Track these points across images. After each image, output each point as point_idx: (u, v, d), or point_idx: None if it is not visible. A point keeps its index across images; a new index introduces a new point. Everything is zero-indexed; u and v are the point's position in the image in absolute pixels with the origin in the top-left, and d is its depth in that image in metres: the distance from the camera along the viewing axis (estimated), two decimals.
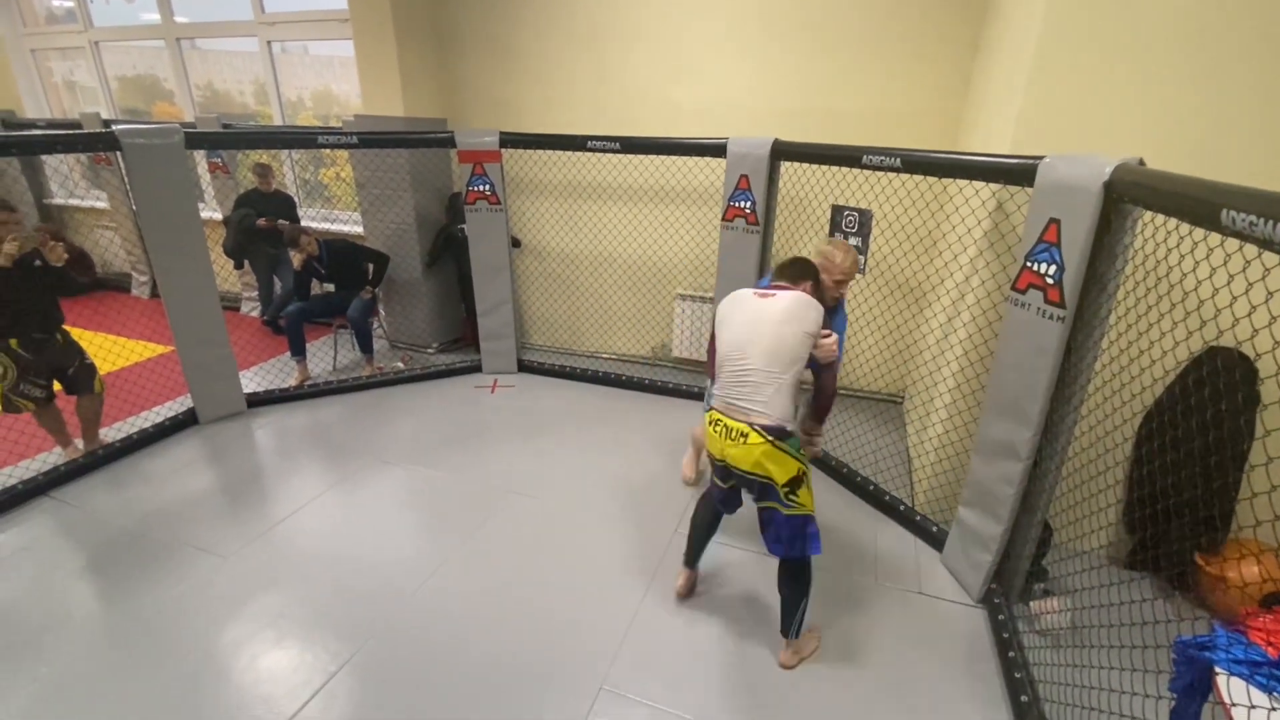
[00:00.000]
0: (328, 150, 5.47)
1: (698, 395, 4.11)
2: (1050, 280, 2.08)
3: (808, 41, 3.68)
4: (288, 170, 5.81)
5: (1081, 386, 2.12)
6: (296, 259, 4.23)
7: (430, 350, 4.94)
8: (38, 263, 2.95)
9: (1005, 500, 2.32)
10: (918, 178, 2.85)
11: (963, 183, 2.69)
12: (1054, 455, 2.21)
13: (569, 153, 4.17)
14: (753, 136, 3.44)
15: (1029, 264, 2.15)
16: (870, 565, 2.69)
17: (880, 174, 2.84)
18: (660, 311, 4.57)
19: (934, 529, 2.81)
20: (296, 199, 5.40)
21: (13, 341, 2.96)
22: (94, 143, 3.20)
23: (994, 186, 2.55)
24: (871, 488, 3.11)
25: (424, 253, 4.65)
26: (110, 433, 3.53)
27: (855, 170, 2.99)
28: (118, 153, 3.20)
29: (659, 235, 4.31)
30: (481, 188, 4.08)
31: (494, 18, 4.29)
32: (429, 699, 2.03)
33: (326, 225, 5.51)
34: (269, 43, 5.44)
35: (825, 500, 3.12)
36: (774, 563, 2.13)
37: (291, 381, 4.25)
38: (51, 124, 6.43)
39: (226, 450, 3.50)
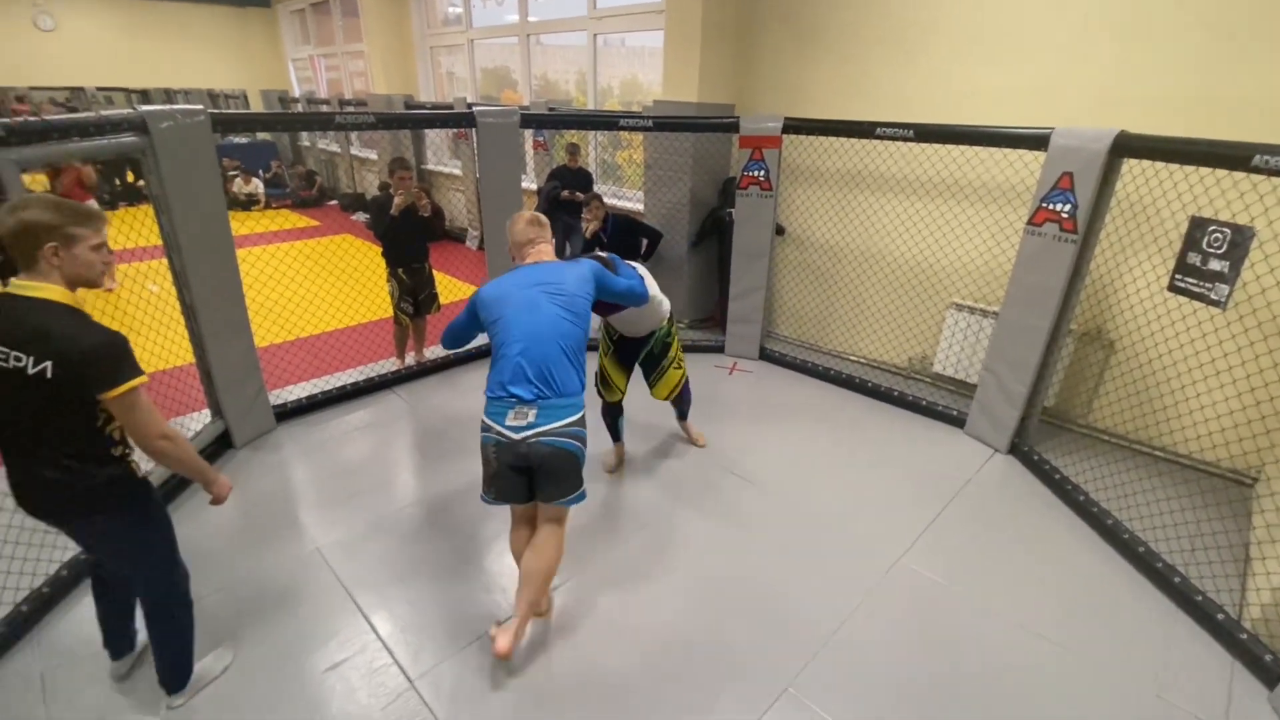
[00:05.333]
0: (625, 133, 6.04)
1: (956, 419, 3.65)
2: None
3: (1205, 3, 2.90)
4: (592, 150, 6.57)
5: None
6: (590, 228, 4.78)
7: (681, 325, 5.20)
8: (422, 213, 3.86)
9: None
10: None
11: None
12: None
13: (853, 140, 3.96)
14: (1086, 127, 2.87)
15: None
16: (1150, 674, 2.13)
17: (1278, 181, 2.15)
18: (927, 320, 4.13)
19: (1267, 657, 2.10)
20: (594, 176, 6.09)
21: (400, 270, 3.93)
22: (460, 121, 4.03)
23: None
24: (1177, 580, 2.44)
25: (692, 232, 4.88)
26: (435, 351, 4.47)
27: (1236, 175, 2.30)
28: (473, 130, 3.97)
29: (941, 235, 3.87)
30: (756, 173, 4.11)
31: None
32: (609, 657, 2.20)
33: (614, 201, 6.12)
34: (594, 36, 6.16)
35: (1104, 576, 2.55)
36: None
37: None
38: (435, 106, 8.21)
39: None
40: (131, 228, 3.07)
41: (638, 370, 3.04)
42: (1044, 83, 3.37)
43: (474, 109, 3.92)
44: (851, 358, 4.60)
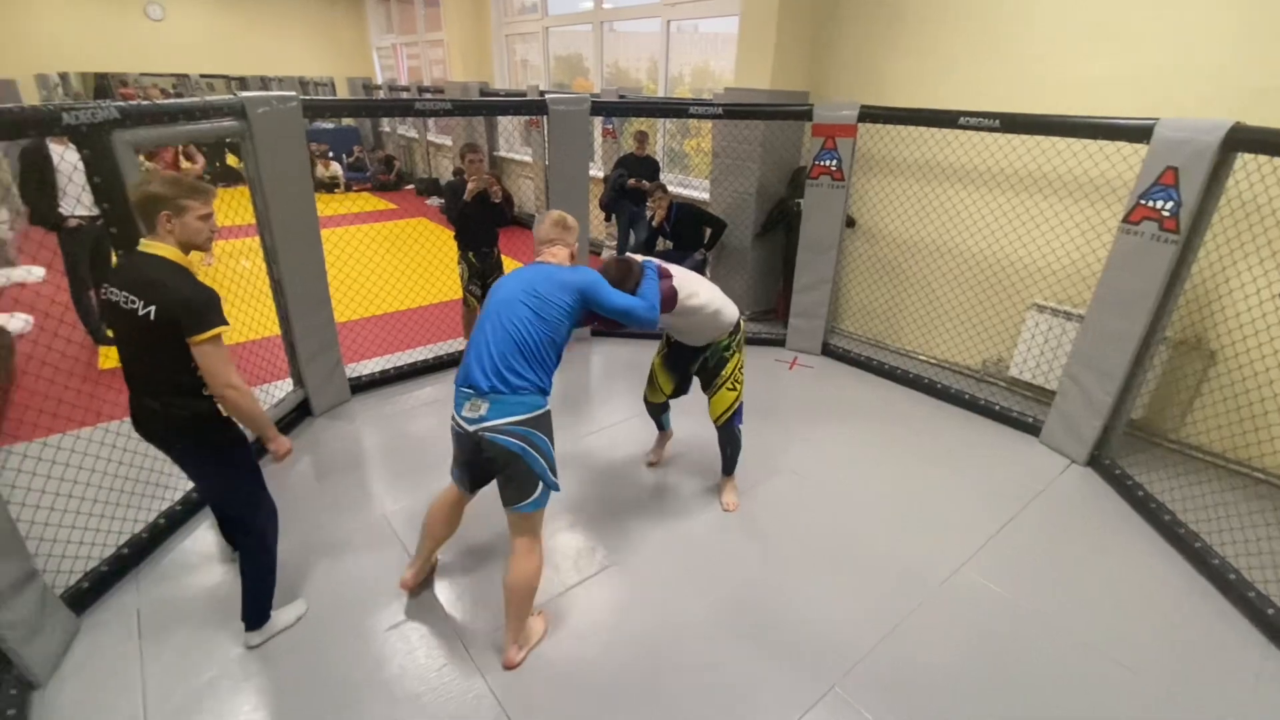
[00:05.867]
0: (694, 121, 6.00)
1: (1031, 427, 3.47)
2: None
3: None
4: (660, 138, 6.55)
5: None
6: (655, 217, 4.79)
7: (742, 317, 5.14)
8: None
9: None
10: None
11: None
12: None
13: (933, 130, 3.79)
14: (1196, 118, 2.65)
15: None
16: (1234, 712, 1.98)
17: None
18: (1004, 321, 3.93)
19: None
20: (661, 164, 6.08)
21: (470, 254, 4.06)
22: (532, 108, 4.10)
23: None
24: (1271, 611, 2.25)
25: (757, 222, 4.81)
26: None
27: None
28: (545, 117, 4.03)
29: (1024, 231, 3.67)
30: (828, 162, 4.00)
31: None
32: (651, 641, 2.22)
33: (678, 190, 6.09)
34: (668, 22, 6.12)
35: (1187, 601, 2.38)
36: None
37: None
38: (509, 94, 8.38)
39: (572, 365, 4.26)
40: (229, 207, 3.30)
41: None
42: (1146, 71, 3.12)
43: (546, 96, 3.98)
44: (920, 357, 4.44)
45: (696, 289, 2.41)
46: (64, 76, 10.84)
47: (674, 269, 2.44)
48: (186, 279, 1.75)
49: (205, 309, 1.72)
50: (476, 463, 1.98)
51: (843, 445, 3.37)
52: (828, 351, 4.47)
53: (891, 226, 4.41)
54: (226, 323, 1.76)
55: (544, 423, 1.91)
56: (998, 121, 3.26)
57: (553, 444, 1.94)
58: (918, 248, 4.29)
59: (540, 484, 1.90)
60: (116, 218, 2.27)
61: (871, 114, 3.83)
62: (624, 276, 2.17)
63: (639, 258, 2.28)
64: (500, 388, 1.84)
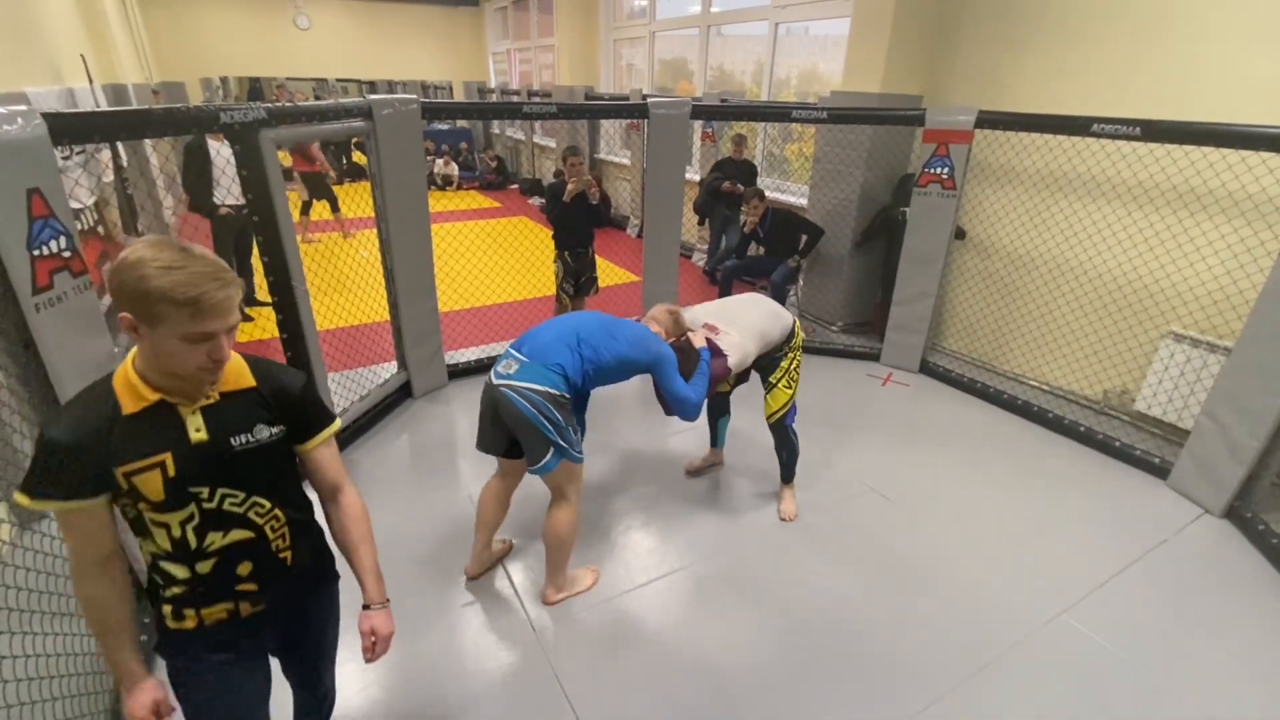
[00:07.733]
0: (797, 126, 5.86)
1: (1159, 468, 3.12)
2: None
3: None
4: (760, 142, 6.46)
5: None
6: (749, 223, 4.74)
7: (834, 328, 4.98)
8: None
9: None
10: None
11: None
12: None
13: (1060, 137, 3.50)
14: None
15: None
16: None
17: None
18: (1133, 348, 3.56)
19: None
20: (759, 168, 5.99)
21: (566, 253, 4.18)
22: (634, 112, 4.17)
23: None
24: None
25: (857, 230, 4.64)
26: None
27: None
28: (645, 120, 4.09)
29: (1162, 251, 3.31)
30: (939, 170, 3.79)
31: None
32: (721, 649, 2.19)
33: (775, 195, 5.98)
34: (775, 26, 6.03)
35: None
36: None
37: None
38: (613, 97, 8.55)
39: None
40: (355, 201, 3.59)
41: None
42: None
43: (648, 100, 4.03)
44: (1031, 382, 4.11)
45: (748, 349, 2.45)
46: (224, 80, 12.19)
47: (720, 312, 2.55)
48: (60, 410, 1.15)
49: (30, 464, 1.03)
50: (496, 418, 2.08)
51: (936, 469, 3.18)
52: (926, 370, 4.24)
53: (1006, 240, 4.11)
54: (40, 494, 1.02)
55: (561, 404, 2.01)
56: (1138, 129, 2.96)
57: (570, 426, 2.03)
58: (1036, 264, 3.97)
59: (551, 448, 1.99)
60: (258, 208, 2.53)
61: (991, 119, 3.59)
62: (683, 361, 2.28)
63: (697, 344, 2.35)
64: (536, 359, 2.02)
